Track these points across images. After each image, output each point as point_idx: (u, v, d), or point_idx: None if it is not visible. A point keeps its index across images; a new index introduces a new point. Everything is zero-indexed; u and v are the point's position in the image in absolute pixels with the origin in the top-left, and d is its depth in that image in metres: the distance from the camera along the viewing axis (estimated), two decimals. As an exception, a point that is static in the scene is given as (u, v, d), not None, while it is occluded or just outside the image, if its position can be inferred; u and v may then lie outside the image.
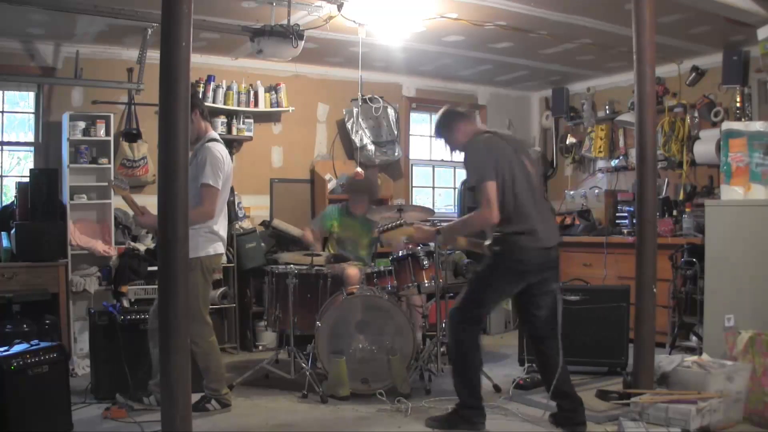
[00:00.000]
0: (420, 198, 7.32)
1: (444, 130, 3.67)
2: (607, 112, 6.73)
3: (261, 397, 4.18)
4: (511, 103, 7.59)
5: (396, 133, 6.55)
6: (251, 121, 5.99)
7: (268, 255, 5.71)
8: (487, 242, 3.43)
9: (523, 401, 3.98)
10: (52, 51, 5.36)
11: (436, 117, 3.75)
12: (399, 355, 4.15)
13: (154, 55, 4.81)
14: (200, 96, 5.70)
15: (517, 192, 3.33)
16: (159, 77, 2.74)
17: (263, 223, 6.03)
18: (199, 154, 3.75)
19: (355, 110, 6.40)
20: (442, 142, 3.72)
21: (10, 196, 5.31)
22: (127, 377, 3.93)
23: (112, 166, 5.22)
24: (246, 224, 5.82)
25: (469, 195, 3.54)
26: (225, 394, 3.86)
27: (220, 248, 3.86)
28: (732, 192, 4.35)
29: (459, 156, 3.62)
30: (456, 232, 3.43)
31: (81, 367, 4.70)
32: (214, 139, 3.86)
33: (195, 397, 3.35)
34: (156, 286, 4.28)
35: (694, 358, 3.78)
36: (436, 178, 7.45)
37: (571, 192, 6.80)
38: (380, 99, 6.51)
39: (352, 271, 4.56)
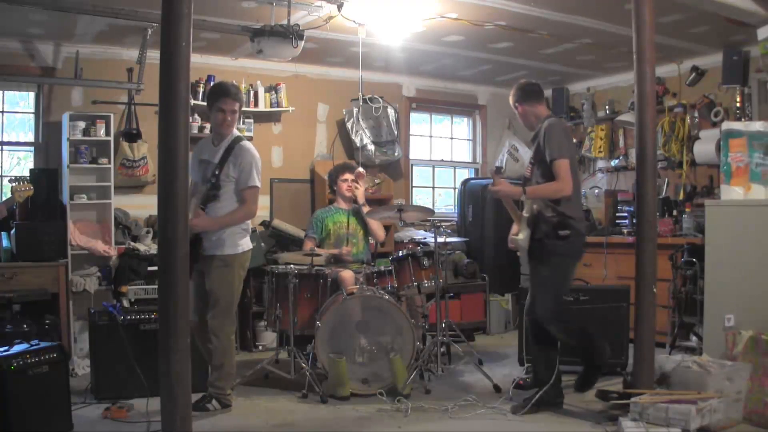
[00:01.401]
0: (420, 198, 7.32)
1: (533, 99, 3.91)
2: (607, 112, 6.73)
3: (261, 397, 4.18)
4: (511, 103, 7.59)
5: (396, 133, 6.55)
6: (251, 121, 6.00)
7: (268, 255, 5.71)
8: (546, 226, 3.67)
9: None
10: (52, 51, 5.36)
11: (525, 84, 3.96)
12: (399, 355, 4.15)
13: (154, 55, 4.81)
14: (201, 96, 5.71)
15: (576, 178, 3.72)
16: (159, 77, 2.74)
17: (263, 223, 6.03)
18: (238, 154, 3.83)
19: (355, 110, 6.40)
20: (521, 108, 3.93)
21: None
22: (128, 377, 3.92)
23: (112, 166, 5.22)
24: (246, 224, 5.82)
25: (539, 166, 3.77)
26: (228, 394, 3.87)
27: (250, 243, 4.00)
28: (732, 192, 4.35)
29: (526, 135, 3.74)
30: (535, 195, 3.67)
31: (81, 367, 4.69)
32: (242, 138, 3.97)
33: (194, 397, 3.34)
34: (156, 286, 4.31)
35: (694, 358, 3.78)
36: (436, 178, 7.45)
37: (571, 192, 6.79)
38: (380, 99, 6.50)
39: (346, 274, 4.55)
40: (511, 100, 3.98)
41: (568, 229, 3.66)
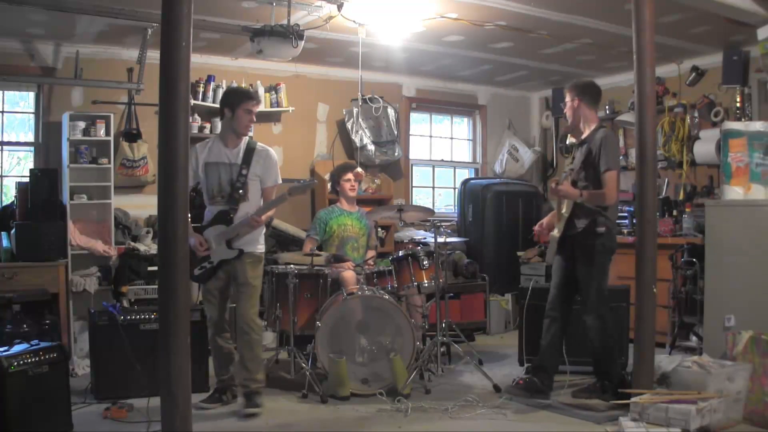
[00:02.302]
0: (420, 198, 7.32)
1: (593, 101, 4.02)
2: (607, 112, 6.73)
3: (261, 397, 4.17)
4: (511, 103, 7.59)
5: (396, 133, 6.55)
6: (251, 121, 5.98)
7: (268, 255, 5.70)
8: (582, 223, 3.87)
9: (523, 401, 3.97)
10: (52, 51, 5.36)
11: (592, 85, 4.07)
12: (399, 355, 4.15)
13: (154, 55, 4.81)
14: (201, 96, 5.71)
15: (619, 187, 3.91)
16: (159, 77, 2.74)
17: (263, 223, 6.02)
18: (264, 155, 3.99)
19: (355, 110, 6.40)
20: (577, 103, 3.99)
21: (10, 196, 5.31)
22: (128, 377, 3.93)
23: (112, 166, 5.22)
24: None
25: (588, 171, 3.95)
26: None
27: None
28: (732, 192, 4.35)
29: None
30: (588, 200, 3.84)
31: (81, 367, 4.69)
32: (252, 139, 4.10)
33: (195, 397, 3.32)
34: (156, 286, 4.32)
35: (694, 358, 3.78)
36: (436, 178, 7.45)
37: (571, 192, 6.79)
38: (380, 99, 6.51)
39: (348, 274, 4.55)
40: (570, 91, 4.04)
41: (604, 227, 3.85)
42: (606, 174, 3.80)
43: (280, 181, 4.06)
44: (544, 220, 4.25)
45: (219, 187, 3.93)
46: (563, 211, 3.94)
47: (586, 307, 3.90)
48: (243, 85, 5.90)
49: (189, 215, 2.88)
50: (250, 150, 3.96)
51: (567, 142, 7.18)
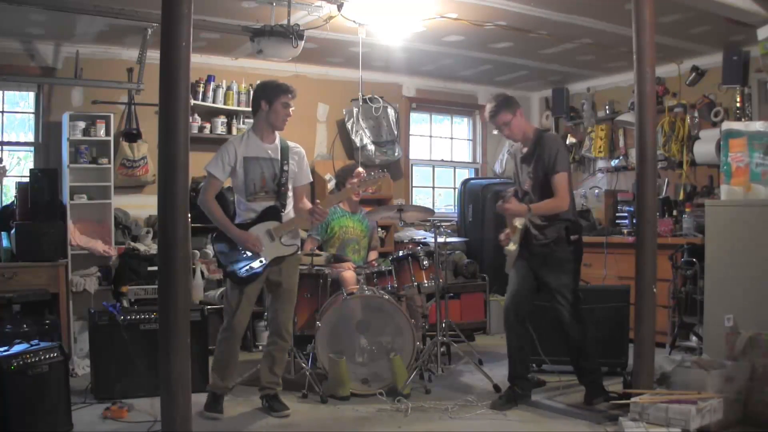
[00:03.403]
0: (420, 198, 7.32)
1: (511, 111, 3.90)
2: (607, 112, 6.73)
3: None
4: (511, 103, 7.59)
5: (396, 133, 6.55)
6: (251, 120, 5.97)
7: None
8: (553, 232, 3.78)
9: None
10: (52, 51, 5.36)
11: (501, 98, 3.96)
12: (399, 355, 4.15)
13: (154, 55, 4.80)
14: (201, 96, 5.71)
15: (570, 186, 3.82)
16: (159, 77, 2.74)
17: (263, 223, 6.02)
18: (299, 152, 3.99)
19: (355, 110, 6.40)
20: (517, 117, 3.90)
21: (10, 196, 5.31)
22: (128, 377, 3.94)
23: (112, 166, 5.22)
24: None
25: (538, 182, 3.85)
26: None
27: None
28: (732, 192, 4.35)
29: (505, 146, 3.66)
30: (538, 213, 3.76)
31: (81, 367, 4.69)
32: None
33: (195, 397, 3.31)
34: (156, 286, 4.31)
35: (694, 358, 3.78)
36: (436, 178, 7.46)
37: (571, 192, 6.79)
38: (380, 99, 6.51)
39: (348, 274, 4.54)
40: (503, 111, 3.88)
41: (577, 233, 3.82)
42: (556, 177, 3.72)
43: (311, 180, 4.08)
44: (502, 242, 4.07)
45: (261, 182, 3.81)
46: (516, 223, 3.85)
47: (570, 315, 3.82)
48: (243, 86, 5.94)
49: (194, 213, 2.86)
50: (285, 146, 3.93)
51: (567, 142, 7.17)
